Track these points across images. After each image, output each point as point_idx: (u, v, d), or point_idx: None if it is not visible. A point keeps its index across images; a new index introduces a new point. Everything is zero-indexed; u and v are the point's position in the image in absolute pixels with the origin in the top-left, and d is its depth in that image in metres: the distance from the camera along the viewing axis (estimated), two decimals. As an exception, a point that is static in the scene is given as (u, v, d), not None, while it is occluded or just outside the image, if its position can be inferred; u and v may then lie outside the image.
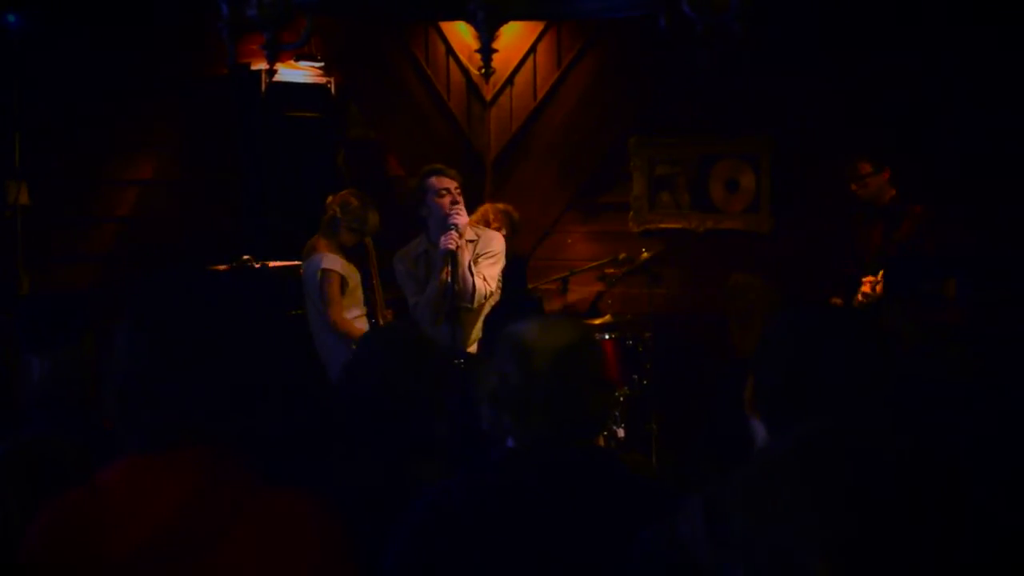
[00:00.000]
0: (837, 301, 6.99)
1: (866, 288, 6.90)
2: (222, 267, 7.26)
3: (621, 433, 7.28)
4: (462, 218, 6.22)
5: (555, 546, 2.61)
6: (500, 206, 7.55)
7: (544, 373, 2.68)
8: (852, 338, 2.31)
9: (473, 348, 6.38)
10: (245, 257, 7.57)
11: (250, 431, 2.09)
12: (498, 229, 7.04)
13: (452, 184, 6.29)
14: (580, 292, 8.59)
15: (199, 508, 2.00)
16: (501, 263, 6.45)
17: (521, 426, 2.70)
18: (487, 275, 6.33)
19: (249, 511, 2.02)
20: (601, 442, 7.08)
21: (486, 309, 6.37)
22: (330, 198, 7.14)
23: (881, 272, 6.83)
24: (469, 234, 6.42)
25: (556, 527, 2.62)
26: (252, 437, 2.09)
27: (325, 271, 6.84)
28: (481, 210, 7.47)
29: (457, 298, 6.19)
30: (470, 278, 6.24)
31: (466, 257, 6.25)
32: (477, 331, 6.41)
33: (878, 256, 7.05)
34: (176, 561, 1.98)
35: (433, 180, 6.31)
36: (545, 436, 2.68)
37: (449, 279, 6.16)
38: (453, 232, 6.18)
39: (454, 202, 6.24)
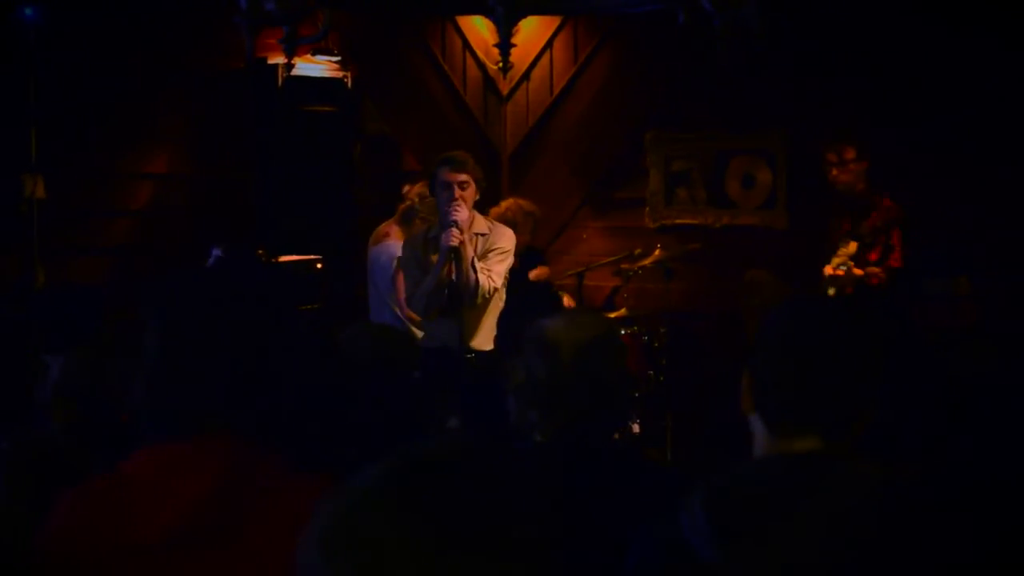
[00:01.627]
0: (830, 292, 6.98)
1: (829, 270, 6.88)
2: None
3: (636, 428, 7.27)
4: (460, 214, 6.13)
5: (579, 539, 2.61)
6: (526, 207, 7.50)
7: (569, 367, 2.70)
8: (847, 332, 2.30)
9: (476, 343, 6.32)
10: (259, 251, 7.57)
11: (272, 419, 2.10)
12: (524, 232, 6.99)
13: (459, 178, 6.19)
14: (596, 287, 8.58)
15: (226, 494, 2.01)
16: (510, 261, 6.37)
17: (546, 419, 2.71)
18: (494, 271, 6.26)
19: (276, 497, 2.03)
20: (616, 436, 7.08)
21: (490, 306, 6.32)
22: (407, 187, 7.17)
23: (841, 250, 6.84)
24: (482, 227, 6.35)
25: (580, 520, 2.62)
26: (274, 425, 2.11)
27: (401, 259, 6.86)
28: (505, 205, 7.45)
29: (460, 294, 6.16)
30: (473, 275, 6.17)
31: (469, 252, 6.20)
32: (484, 327, 6.35)
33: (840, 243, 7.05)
34: (204, 547, 1.99)
35: (442, 172, 6.24)
36: (569, 429, 2.70)
37: (453, 277, 6.13)
38: (454, 229, 6.12)
39: (453, 198, 6.16)
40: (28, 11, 6.69)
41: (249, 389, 2.09)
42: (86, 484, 2.12)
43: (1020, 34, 7.18)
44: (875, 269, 6.87)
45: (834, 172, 7.09)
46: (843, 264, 6.84)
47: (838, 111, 7.85)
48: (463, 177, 6.19)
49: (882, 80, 7.71)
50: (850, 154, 7.04)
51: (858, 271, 6.88)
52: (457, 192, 6.16)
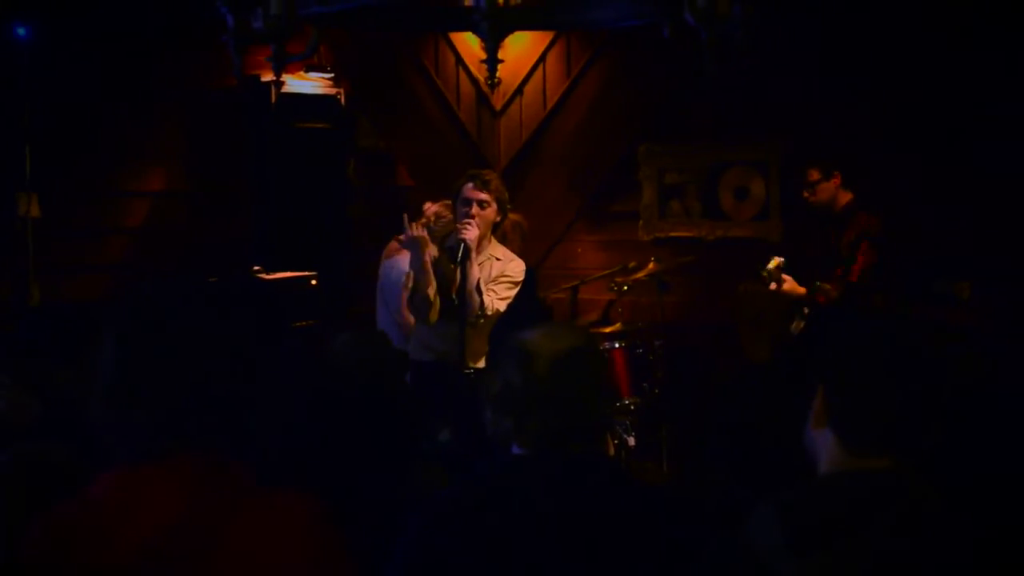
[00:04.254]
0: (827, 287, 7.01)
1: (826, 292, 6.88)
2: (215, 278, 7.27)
3: (632, 441, 7.27)
4: (470, 233, 6.15)
5: (557, 551, 2.62)
6: (512, 218, 7.53)
7: (545, 378, 2.70)
8: (926, 353, 2.31)
9: (476, 361, 6.33)
10: (255, 268, 7.59)
11: (243, 438, 2.09)
12: (512, 241, 7.00)
13: (480, 196, 6.17)
14: (590, 301, 8.59)
15: (192, 517, 2.00)
16: (516, 290, 6.39)
17: (523, 431, 2.72)
18: (500, 295, 6.27)
19: (243, 517, 2.02)
20: (612, 450, 7.08)
21: (488, 327, 6.31)
22: (428, 204, 7.16)
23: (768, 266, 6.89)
24: (498, 251, 6.37)
25: (558, 532, 2.63)
26: (246, 444, 2.10)
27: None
28: None
29: (464, 313, 6.15)
30: (477, 297, 6.17)
31: (476, 272, 6.19)
32: (484, 346, 6.35)
33: (825, 261, 7.06)
34: (172, 569, 1.97)
35: (466, 187, 6.23)
36: (546, 441, 2.70)
37: (455, 296, 6.13)
38: (471, 229, 6.12)
39: (469, 215, 6.16)
40: (21, 30, 6.72)
41: (217, 408, 2.06)
42: (50, 510, 2.10)
43: (1016, 42, 7.19)
44: (826, 286, 6.84)
45: (805, 194, 7.12)
46: (771, 279, 6.89)
47: (832, 122, 7.86)
48: (484, 196, 6.18)
49: (878, 89, 7.72)
50: (813, 176, 7.05)
51: (799, 288, 6.88)
52: (475, 210, 6.16)
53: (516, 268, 6.40)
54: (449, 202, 6.97)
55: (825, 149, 7.80)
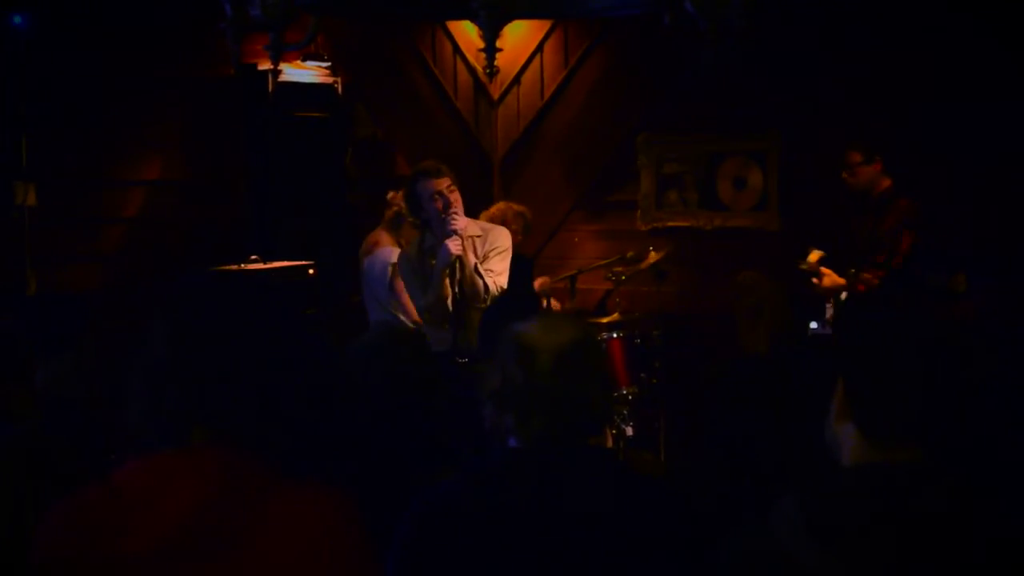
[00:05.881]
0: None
1: (868, 279, 6.88)
2: (231, 267, 7.30)
3: (630, 431, 7.27)
4: (460, 222, 6.11)
5: (556, 545, 2.61)
6: (516, 207, 7.54)
7: (547, 373, 2.69)
8: (947, 344, 2.30)
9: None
10: (253, 257, 7.58)
11: (271, 428, 2.09)
12: (515, 231, 6.98)
13: (443, 185, 6.12)
14: (588, 291, 8.58)
15: (219, 505, 2.00)
16: (509, 256, 6.38)
17: (523, 426, 2.70)
18: (497, 270, 6.24)
19: (269, 508, 2.02)
20: (610, 440, 7.08)
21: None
22: (391, 194, 7.18)
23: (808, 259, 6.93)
24: (474, 230, 6.34)
25: (557, 526, 2.62)
26: (273, 434, 2.10)
27: (396, 265, 6.89)
28: (495, 209, 7.45)
29: (468, 301, 6.14)
30: (480, 281, 6.15)
31: (471, 257, 6.18)
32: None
33: (865, 248, 7.04)
34: (196, 558, 1.98)
35: (423, 186, 6.16)
36: (547, 435, 2.69)
37: (457, 288, 6.12)
38: (456, 237, 6.10)
39: (447, 205, 6.11)
40: (18, 18, 6.70)
41: (245, 398, 2.07)
42: (77, 494, 2.10)
43: (1016, 30, 7.17)
44: (867, 275, 6.84)
45: (844, 175, 7.07)
46: (810, 273, 6.91)
47: (830, 112, 7.86)
48: (446, 182, 6.14)
49: (875, 80, 7.71)
50: (854, 158, 7.01)
51: (840, 280, 6.90)
52: (450, 197, 6.12)
53: (499, 236, 6.37)
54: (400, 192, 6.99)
55: (822, 140, 7.83)
